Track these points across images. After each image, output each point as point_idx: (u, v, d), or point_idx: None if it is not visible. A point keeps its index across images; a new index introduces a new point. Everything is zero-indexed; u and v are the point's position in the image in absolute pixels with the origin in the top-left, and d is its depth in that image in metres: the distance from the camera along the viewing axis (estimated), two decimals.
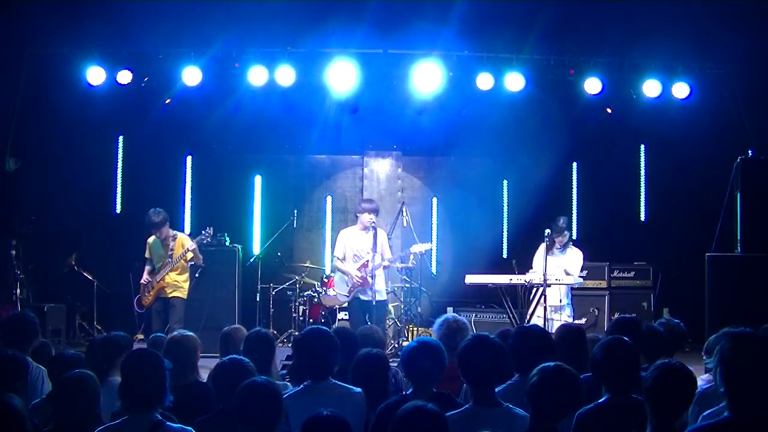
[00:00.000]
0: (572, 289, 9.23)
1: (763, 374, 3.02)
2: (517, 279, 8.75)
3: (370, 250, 8.77)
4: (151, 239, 9.00)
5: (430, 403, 3.33)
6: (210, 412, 4.00)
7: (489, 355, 3.90)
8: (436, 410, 3.26)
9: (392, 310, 10.72)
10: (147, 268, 8.99)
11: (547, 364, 3.57)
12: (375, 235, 8.82)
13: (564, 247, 9.22)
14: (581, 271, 9.25)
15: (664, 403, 3.40)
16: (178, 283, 8.91)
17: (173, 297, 8.87)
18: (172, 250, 8.90)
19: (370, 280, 8.73)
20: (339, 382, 4.36)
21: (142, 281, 8.99)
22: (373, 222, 8.84)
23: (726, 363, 3.08)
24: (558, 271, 8.87)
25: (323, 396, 4.13)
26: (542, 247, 9.02)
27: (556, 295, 8.97)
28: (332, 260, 9.48)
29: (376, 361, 4.53)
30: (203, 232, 9.07)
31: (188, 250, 8.82)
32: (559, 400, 3.46)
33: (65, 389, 3.85)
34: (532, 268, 9.07)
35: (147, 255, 9.04)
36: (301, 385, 4.34)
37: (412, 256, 9.61)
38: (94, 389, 3.89)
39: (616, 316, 9.67)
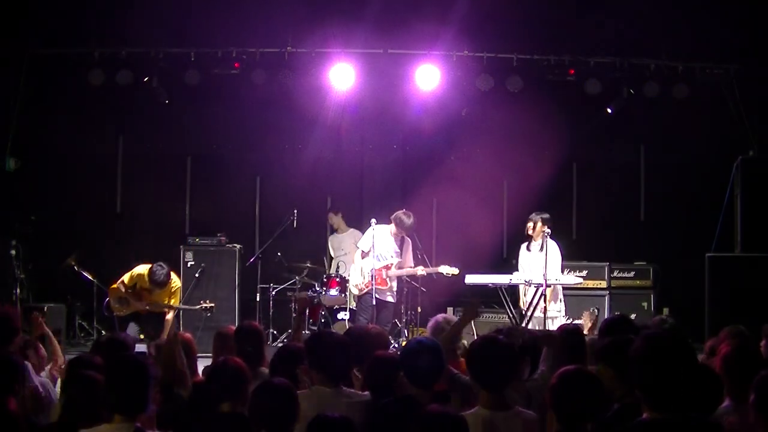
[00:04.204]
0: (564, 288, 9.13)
1: (675, 373, 2.99)
2: (517, 279, 8.76)
3: (394, 254, 9.08)
4: (142, 273, 8.80)
5: (431, 403, 3.34)
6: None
7: (500, 356, 3.83)
8: (459, 415, 3.27)
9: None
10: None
11: (567, 367, 3.56)
12: (402, 241, 9.12)
13: (541, 241, 9.02)
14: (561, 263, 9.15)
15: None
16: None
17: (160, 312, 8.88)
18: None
19: (387, 282, 9.00)
20: (348, 389, 4.26)
21: (120, 293, 8.85)
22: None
23: (639, 362, 3.05)
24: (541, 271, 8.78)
25: (330, 401, 4.04)
26: (524, 247, 9.06)
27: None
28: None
29: (391, 363, 4.48)
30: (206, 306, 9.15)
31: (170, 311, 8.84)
32: (584, 405, 3.41)
33: (76, 389, 3.85)
34: (517, 270, 9.12)
35: (128, 282, 8.84)
36: (307, 390, 4.18)
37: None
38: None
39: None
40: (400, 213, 9.18)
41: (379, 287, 9.04)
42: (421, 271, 9.44)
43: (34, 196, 11.15)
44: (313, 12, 10.20)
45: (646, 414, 3.04)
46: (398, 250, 9.15)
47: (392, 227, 9.10)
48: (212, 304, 9.29)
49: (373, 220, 9.24)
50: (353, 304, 9.74)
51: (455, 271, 9.31)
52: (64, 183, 11.35)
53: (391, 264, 9.06)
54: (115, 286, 8.94)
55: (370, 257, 9.15)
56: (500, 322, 9.90)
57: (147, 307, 8.81)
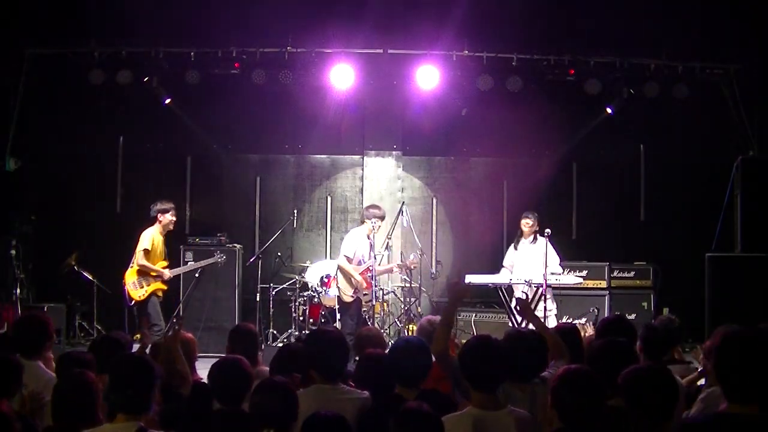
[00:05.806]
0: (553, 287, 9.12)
1: (756, 368, 3.05)
2: (517, 279, 8.75)
3: (370, 254, 9.00)
4: (155, 233, 8.92)
5: (418, 401, 3.35)
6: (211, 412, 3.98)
7: (492, 356, 3.82)
8: (433, 413, 3.27)
9: (393, 310, 10.81)
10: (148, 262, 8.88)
11: (569, 366, 3.57)
12: (372, 240, 9.07)
13: (533, 238, 9.16)
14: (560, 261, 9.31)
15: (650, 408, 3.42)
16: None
17: (161, 292, 8.97)
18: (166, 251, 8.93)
19: (372, 284, 9.01)
20: (347, 387, 4.29)
21: (161, 275, 8.89)
22: (379, 227, 9.14)
23: (721, 357, 3.13)
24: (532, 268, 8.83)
25: (329, 398, 4.07)
26: (511, 247, 9.13)
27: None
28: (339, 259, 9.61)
29: (381, 363, 4.50)
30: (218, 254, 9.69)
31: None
32: (586, 403, 3.42)
33: (65, 387, 3.84)
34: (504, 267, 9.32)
35: (149, 247, 8.85)
36: (308, 387, 4.21)
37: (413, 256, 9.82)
38: (93, 388, 3.87)
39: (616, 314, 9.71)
40: (368, 207, 9.32)
41: (365, 291, 9.08)
42: (396, 269, 9.80)
43: (34, 196, 11.15)
44: (313, 12, 10.20)
45: (723, 405, 3.11)
46: (372, 252, 9.09)
47: (367, 226, 9.04)
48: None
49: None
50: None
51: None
52: (64, 183, 11.35)
53: (371, 267, 8.97)
54: (133, 266, 8.89)
55: (354, 263, 9.13)
56: (500, 322, 9.91)
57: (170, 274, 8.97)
